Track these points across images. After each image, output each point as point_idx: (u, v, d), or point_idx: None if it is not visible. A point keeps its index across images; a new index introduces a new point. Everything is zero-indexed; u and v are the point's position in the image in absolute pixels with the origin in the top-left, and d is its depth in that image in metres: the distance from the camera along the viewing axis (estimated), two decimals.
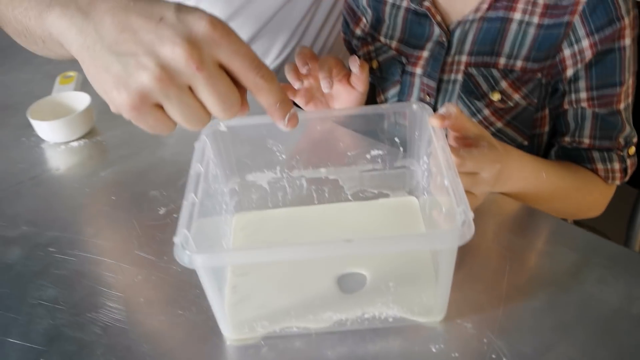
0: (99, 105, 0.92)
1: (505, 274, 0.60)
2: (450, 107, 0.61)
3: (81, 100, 0.93)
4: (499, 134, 0.81)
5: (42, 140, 0.91)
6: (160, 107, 0.48)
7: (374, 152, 0.68)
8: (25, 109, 0.91)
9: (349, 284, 0.61)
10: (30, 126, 0.90)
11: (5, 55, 1.17)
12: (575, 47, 0.73)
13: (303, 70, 0.77)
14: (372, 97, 0.89)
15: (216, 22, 0.46)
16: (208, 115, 0.48)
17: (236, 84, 0.48)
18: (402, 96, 0.88)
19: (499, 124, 0.80)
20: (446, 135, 0.63)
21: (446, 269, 0.53)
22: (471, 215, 0.50)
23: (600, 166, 0.78)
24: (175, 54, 0.45)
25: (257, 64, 0.47)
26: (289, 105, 0.50)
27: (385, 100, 0.91)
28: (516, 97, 0.78)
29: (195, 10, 0.46)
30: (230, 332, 0.57)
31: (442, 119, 0.60)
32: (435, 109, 0.83)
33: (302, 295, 0.60)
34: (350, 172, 0.69)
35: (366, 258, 0.63)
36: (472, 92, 0.79)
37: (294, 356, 0.55)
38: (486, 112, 0.80)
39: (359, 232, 0.67)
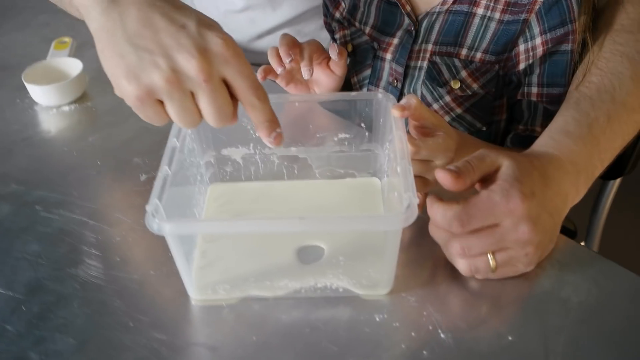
0: (91, 72, 0.97)
1: None
2: (410, 99, 0.65)
3: (74, 67, 0.97)
4: (458, 119, 0.86)
5: (35, 103, 0.96)
6: (160, 102, 0.53)
7: (342, 135, 0.73)
8: (21, 71, 0.96)
9: (308, 256, 0.66)
10: (24, 88, 0.95)
11: (5, 16, 1.21)
12: (529, 43, 0.78)
13: (286, 60, 0.82)
14: (346, 78, 0.93)
15: (230, 42, 0.52)
16: (200, 119, 0.55)
17: (231, 97, 0.54)
18: (373, 79, 0.92)
19: (459, 110, 0.85)
20: (407, 124, 0.68)
21: (392, 248, 0.58)
22: (416, 200, 0.55)
23: None
24: (189, 63, 0.51)
25: (256, 85, 0.54)
26: (276, 124, 0.56)
27: (358, 82, 0.96)
28: (475, 86, 0.82)
29: (214, 26, 0.53)
30: (195, 294, 0.63)
31: (402, 109, 0.65)
32: (402, 94, 0.88)
33: (263, 264, 0.65)
34: (319, 152, 0.74)
35: (324, 233, 0.68)
36: (435, 79, 0.84)
37: (252, 318, 0.61)
38: (447, 98, 0.84)
39: (322, 208, 0.73)
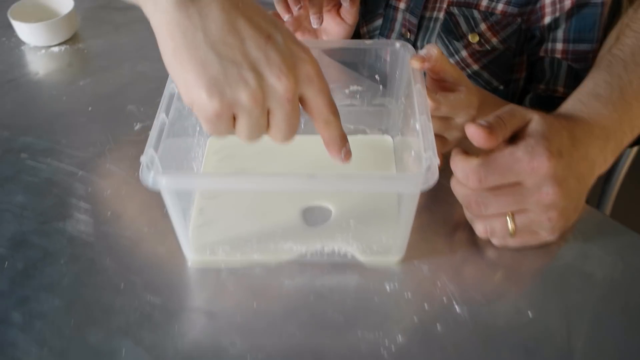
0: (82, 11, 0.91)
1: (466, 223, 0.61)
2: (431, 49, 0.60)
3: (65, 4, 0.90)
4: (475, 77, 0.80)
5: (22, 43, 0.90)
6: (233, 116, 0.48)
7: (353, 88, 0.68)
8: (7, 8, 0.89)
9: (314, 217, 0.62)
10: (10, 26, 0.89)
11: None
12: None
13: (295, 8, 0.76)
14: (356, 28, 0.87)
15: (315, 61, 0.49)
16: (263, 134, 0.50)
17: None
18: (384, 30, 0.86)
19: (476, 67, 0.79)
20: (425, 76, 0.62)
21: (407, 213, 0.54)
22: (437, 161, 0.51)
23: None
24: (279, 82, 0.46)
25: (332, 101, 0.51)
26: (345, 139, 0.54)
27: (368, 33, 0.89)
28: (494, 40, 0.76)
29: (297, 39, 0.49)
30: (192, 254, 0.58)
31: (422, 60, 0.59)
32: (415, 46, 0.82)
33: (266, 224, 0.61)
34: None
35: (332, 193, 0.63)
36: (451, 31, 0.78)
37: (253, 282, 0.57)
38: (464, 53, 0.78)
39: (329, 167, 0.67)
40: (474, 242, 0.60)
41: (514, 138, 0.54)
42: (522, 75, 0.80)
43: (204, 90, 0.46)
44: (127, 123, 0.74)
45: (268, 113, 0.49)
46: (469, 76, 0.80)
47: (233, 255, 0.58)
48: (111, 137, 0.73)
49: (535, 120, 0.54)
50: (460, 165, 0.54)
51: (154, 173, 0.49)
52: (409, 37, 0.82)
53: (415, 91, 0.57)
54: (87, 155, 0.71)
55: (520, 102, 0.82)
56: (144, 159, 0.50)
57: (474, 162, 0.53)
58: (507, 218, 0.55)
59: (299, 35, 0.83)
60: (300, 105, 0.50)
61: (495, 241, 0.58)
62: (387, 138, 0.71)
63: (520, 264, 0.59)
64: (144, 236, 0.61)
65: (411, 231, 0.56)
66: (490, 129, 0.52)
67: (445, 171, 0.54)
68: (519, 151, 0.52)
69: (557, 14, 0.72)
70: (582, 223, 0.62)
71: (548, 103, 0.78)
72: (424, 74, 0.61)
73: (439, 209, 0.63)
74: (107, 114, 0.77)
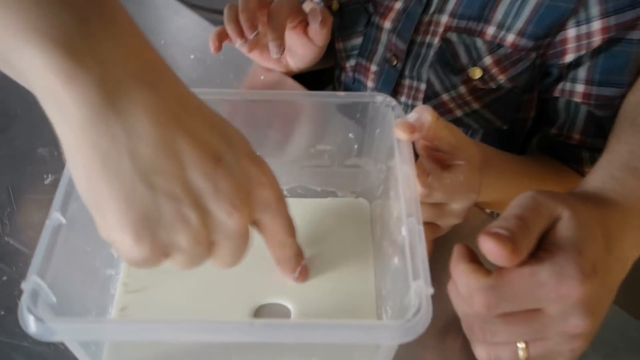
0: None
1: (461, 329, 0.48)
2: (424, 114, 0.46)
3: None
4: (474, 116, 0.66)
5: None
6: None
7: (320, 147, 0.53)
8: None
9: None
10: None
11: None
12: (584, 27, 0.57)
13: (249, 35, 0.60)
14: (331, 41, 0.71)
15: (275, 182, 0.40)
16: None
17: None
18: (364, 52, 0.71)
19: (476, 106, 0.65)
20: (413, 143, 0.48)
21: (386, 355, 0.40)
22: (430, 292, 0.37)
23: (588, 169, 0.65)
24: (229, 218, 0.36)
25: (291, 223, 0.42)
26: (301, 256, 0.47)
27: (345, 51, 0.74)
28: (501, 78, 0.62)
29: (255, 155, 0.40)
30: None
31: (412, 129, 0.45)
32: (402, 75, 0.67)
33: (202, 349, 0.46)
34: (290, 165, 0.54)
35: (291, 289, 0.50)
36: (448, 63, 0.63)
37: None
38: (462, 89, 0.64)
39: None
40: (470, 357, 0.48)
41: (536, 247, 0.40)
42: (531, 115, 0.66)
43: (129, 234, 0.34)
44: (35, 173, 0.59)
45: (212, 245, 0.38)
46: (467, 114, 0.65)
47: None
48: (13, 195, 0.57)
49: (566, 220, 0.40)
50: (465, 280, 0.40)
51: (40, 315, 0.35)
52: (395, 64, 0.67)
53: (402, 176, 0.43)
54: None
55: (526, 142, 0.68)
56: (25, 296, 0.36)
57: (482, 281, 0.39)
58: (519, 346, 0.42)
59: (256, 55, 0.68)
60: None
61: None
62: (363, 202, 0.57)
63: None
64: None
65: None
66: (513, 243, 0.37)
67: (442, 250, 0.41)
68: (543, 273, 0.39)
69: (583, 51, 0.57)
70: (604, 329, 0.49)
71: (559, 149, 0.65)
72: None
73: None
74: (10, 159, 0.61)
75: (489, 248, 0.38)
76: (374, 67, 0.69)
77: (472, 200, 0.48)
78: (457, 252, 0.42)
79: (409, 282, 0.38)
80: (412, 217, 0.41)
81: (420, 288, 0.37)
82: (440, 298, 0.50)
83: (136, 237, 0.34)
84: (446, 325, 0.49)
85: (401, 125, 0.45)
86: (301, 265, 0.47)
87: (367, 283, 0.50)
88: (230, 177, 0.36)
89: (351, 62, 0.72)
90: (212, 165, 0.35)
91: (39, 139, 0.62)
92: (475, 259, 0.41)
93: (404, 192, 0.42)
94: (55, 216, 0.40)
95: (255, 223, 0.40)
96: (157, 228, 0.35)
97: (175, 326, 0.36)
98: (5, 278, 0.51)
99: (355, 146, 0.53)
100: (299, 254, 0.46)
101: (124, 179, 0.33)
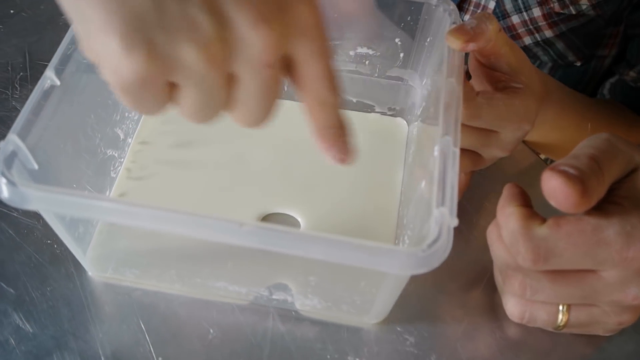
0: None
1: (487, 282, 0.43)
2: (484, 21, 0.39)
3: None
4: (545, 45, 0.58)
5: None
6: (170, 84, 0.28)
7: (362, 50, 0.47)
8: None
9: None
10: None
11: None
12: None
13: None
14: None
15: (316, 5, 0.28)
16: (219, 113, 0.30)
17: None
18: None
19: (549, 33, 0.57)
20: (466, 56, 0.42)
21: (394, 287, 0.36)
22: (454, 223, 0.32)
23: None
24: (255, 33, 0.26)
25: (333, 72, 0.30)
26: (346, 131, 0.33)
27: None
28: (584, 3, 0.53)
29: None
30: (92, 269, 0.41)
31: (468, 37, 0.38)
32: None
33: (192, 247, 0.42)
34: None
35: (301, 200, 0.45)
36: None
37: (166, 320, 0.40)
38: (536, 12, 0.56)
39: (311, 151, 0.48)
40: (491, 309, 0.42)
41: (606, 195, 0.34)
42: (611, 53, 0.57)
43: (116, 37, 0.25)
44: (55, 41, 0.55)
45: (231, 81, 0.28)
46: (537, 44, 0.57)
47: (143, 280, 0.41)
48: (29, 59, 0.54)
49: None
50: (513, 226, 0.34)
51: (14, 180, 0.31)
52: None
53: (446, 88, 0.37)
54: None
55: (597, 86, 0.60)
56: (0, 151, 0.32)
57: (534, 229, 0.33)
58: (560, 308, 0.37)
59: None
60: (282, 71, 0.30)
61: (530, 325, 0.40)
62: (401, 122, 0.51)
63: (553, 350, 0.41)
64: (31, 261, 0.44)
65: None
66: (583, 185, 0.31)
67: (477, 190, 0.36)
68: (610, 229, 0.32)
69: None
70: None
71: (634, 96, 0.57)
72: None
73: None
74: (31, 23, 0.57)
75: (554, 187, 0.31)
76: None
77: (525, 131, 0.41)
78: (507, 191, 0.36)
79: (431, 209, 0.32)
80: (448, 137, 0.35)
81: (443, 216, 0.31)
82: (467, 245, 0.45)
83: (126, 39, 0.25)
84: (467, 282, 0.44)
85: (456, 31, 0.38)
86: (345, 140, 0.34)
87: (390, 209, 0.45)
88: None
89: None
90: None
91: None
92: (528, 202, 0.35)
93: (446, 106, 0.36)
94: (48, 75, 0.36)
95: (288, 63, 0.29)
96: (155, 29, 0.25)
97: (159, 214, 0.31)
98: None
99: (401, 54, 0.46)
100: (343, 124, 0.33)
101: None
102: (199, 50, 0.26)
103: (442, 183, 0.33)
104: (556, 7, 0.54)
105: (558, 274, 0.35)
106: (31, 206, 0.32)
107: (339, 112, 0.33)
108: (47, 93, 0.36)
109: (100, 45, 0.25)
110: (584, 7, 0.53)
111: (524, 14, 0.56)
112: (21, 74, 0.52)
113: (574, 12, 0.54)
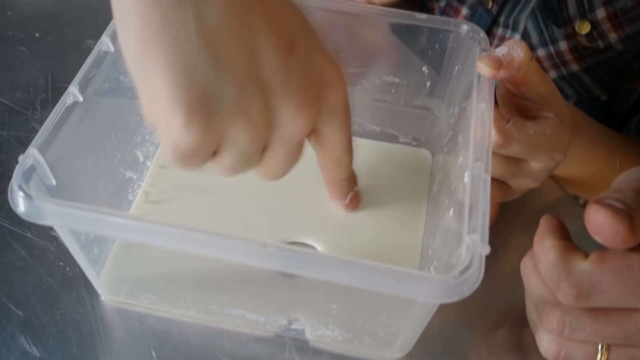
0: None
1: (518, 316, 0.41)
2: (516, 48, 0.38)
3: None
4: (570, 79, 0.57)
5: None
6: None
7: (388, 78, 0.46)
8: None
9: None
10: None
11: None
12: None
13: None
14: None
15: (344, 85, 0.35)
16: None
17: None
18: None
19: (575, 67, 0.56)
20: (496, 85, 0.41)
21: (422, 316, 0.34)
22: (486, 251, 0.30)
23: None
24: (294, 121, 0.32)
25: (351, 138, 0.37)
26: (354, 183, 0.43)
27: None
28: (612, 37, 0.52)
29: (326, 52, 0.34)
30: (105, 293, 0.40)
31: (498, 64, 0.38)
32: (495, 23, 0.59)
33: (208, 272, 0.41)
34: (349, 95, 0.48)
35: (323, 231, 0.44)
36: (552, 11, 0.54)
37: (182, 347, 0.39)
38: (563, 45, 0.55)
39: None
40: (518, 347, 0.40)
41: None
42: (637, 88, 0.56)
43: (181, 113, 0.28)
44: (77, 64, 0.55)
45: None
46: (562, 77, 0.56)
47: (158, 306, 0.40)
48: (51, 82, 0.53)
49: None
50: (553, 260, 0.32)
51: (31, 194, 0.30)
52: (490, 6, 0.59)
53: (476, 115, 0.36)
54: None
55: (623, 122, 0.59)
56: (17, 167, 0.31)
57: (577, 264, 0.32)
58: (599, 348, 0.35)
59: None
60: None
61: None
62: (425, 153, 0.50)
63: None
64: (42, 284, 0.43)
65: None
66: (631, 220, 0.29)
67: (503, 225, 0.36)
68: None
69: None
70: None
71: None
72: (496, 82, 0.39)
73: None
74: (55, 47, 0.57)
75: (601, 221, 0.29)
76: (464, 10, 0.61)
77: (557, 161, 0.40)
78: (544, 224, 0.34)
79: (462, 236, 0.31)
80: (480, 163, 0.34)
81: (475, 243, 0.30)
82: (493, 280, 0.44)
83: (189, 117, 0.28)
84: (496, 318, 0.42)
85: (487, 58, 0.38)
86: (353, 191, 0.42)
87: (413, 239, 0.44)
88: (302, 72, 0.31)
89: (440, 4, 0.64)
90: (284, 54, 0.30)
91: (89, 30, 0.58)
92: (567, 235, 0.34)
93: (476, 133, 0.35)
94: (72, 90, 0.35)
95: (314, 132, 0.35)
96: (215, 112, 0.29)
97: (181, 232, 0.30)
98: None
99: (428, 83, 0.46)
100: (352, 178, 0.41)
101: (185, 47, 0.27)
102: (248, 131, 0.30)
103: (473, 210, 0.32)
104: (584, 40, 0.53)
105: (600, 312, 0.33)
106: (47, 221, 0.31)
107: (350, 169, 0.40)
108: (70, 109, 0.35)
109: (163, 116, 0.29)
110: (612, 41, 0.52)
111: (550, 47, 0.55)
112: (42, 95, 0.52)
113: (602, 46, 0.53)
